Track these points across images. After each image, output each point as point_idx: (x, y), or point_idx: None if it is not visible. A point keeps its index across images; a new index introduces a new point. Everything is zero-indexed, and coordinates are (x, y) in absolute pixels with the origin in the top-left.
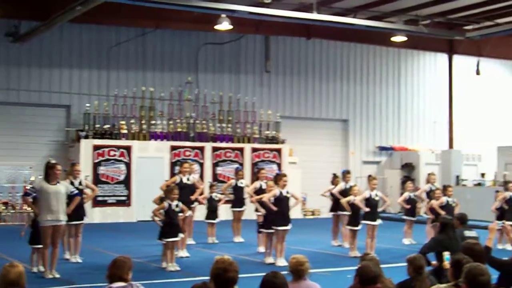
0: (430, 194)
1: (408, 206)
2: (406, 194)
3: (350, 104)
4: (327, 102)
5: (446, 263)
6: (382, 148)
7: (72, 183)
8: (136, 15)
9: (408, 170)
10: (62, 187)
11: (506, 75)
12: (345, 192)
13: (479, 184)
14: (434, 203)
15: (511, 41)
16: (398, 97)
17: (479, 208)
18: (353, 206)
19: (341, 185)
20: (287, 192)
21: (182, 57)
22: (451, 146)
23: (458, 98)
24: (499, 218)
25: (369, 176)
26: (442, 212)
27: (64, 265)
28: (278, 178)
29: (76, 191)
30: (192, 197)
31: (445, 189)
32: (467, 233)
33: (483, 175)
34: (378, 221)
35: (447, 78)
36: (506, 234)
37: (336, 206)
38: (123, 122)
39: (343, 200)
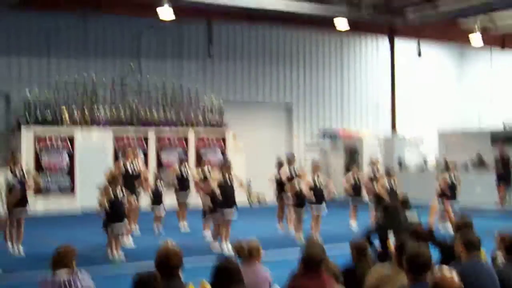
0: (373, 179)
1: (350, 191)
2: (350, 177)
3: (293, 88)
4: (270, 86)
5: (391, 246)
6: (326, 132)
7: (13, 173)
8: (76, 0)
9: (352, 155)
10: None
11: (446, 58)
12: (291, 178)
13: (421, 168)
14: (378, 187)
15: (451, 24)
16: (341, 81)
17: (422, 191)
18: (299, 192)
19: (286, 169)
20: (229, 179)
21: (124, 42)
22: (394, 130)
23: (400, 82)
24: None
25: (313, 160)
26: (386, 196)
27: (5, 255)
28: (223, 165)
29: (16, 183)
30: (143, 187)
31: (387, 172)
32: (410, 215)
33: (425, 160)
34: (323, 205)
35: (389, 62)
36: (445, 213)
37: (281, 190)
38: (64, 110)
39: (288, 186)
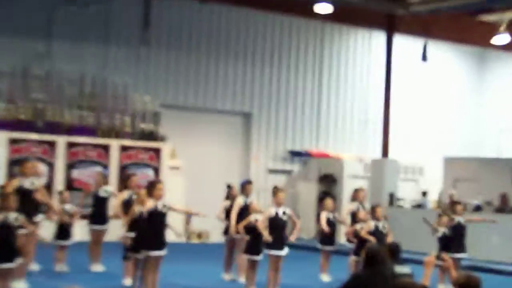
0: (355, 217)
1: (327, 230)
2: (324, 215)
3: (255, 92)
4: (224, 89)
5: None
6: (295, 154)
7: None
8: None
9: (328, 184)
10: None
11: (460, 63)
12: (244, 210)
13: (419, 206)
14: (360, 228)
15: (469, 18)
16: (319, 87)
17: (418, 236)
18: (252, 230)
19: (240, 200)
20: (164, 206)
21: (31, 20)
22: (385, 154)
23: (397, 92)
24: (443, 249)
25: (275, 188)
26: (372, 240)
27: None
28: (152, 187)
29: None
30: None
31: (373, 210)
32: (399, 268)
33: (424, 193)
34: (285, 250)
35: (384, 65)
36: (447, 271)
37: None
38: None
39: (240, 224)
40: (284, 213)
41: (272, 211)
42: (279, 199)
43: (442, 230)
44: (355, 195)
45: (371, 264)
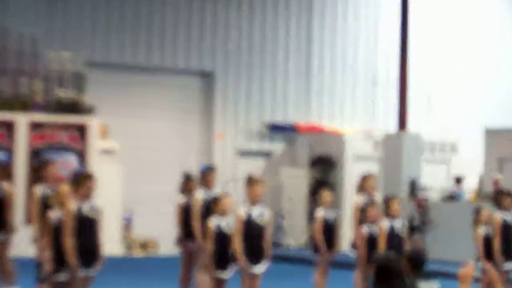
0: (362, 214)
1: (320, 238)
2: (320, 214)
3: (217, 44)
4: (174, 40)
5: None
6: (277, 129)
7: None
8: None
9: (324, 169)
10: None
11: (499, 2)
12: (207, 207)
13: (451, 198)
14: (365, 231)
15: None
16: (308, 36)
17: (451, 239)
18: (219, 235)
19: (199, 196)
20: (93, 208)
21: None
22: (402, 126)
23: (416, 44)
24: (486, 257)
25: (249, 177)
26: (382, 247)
27: None
28: (80, 181)
29: None
30: None
31: (388, 204)
32: (424, 285)
33: (458, 180)
34: (263, 265)
35: (399, 6)
36: (492, 286)
37: (187, 233)
38: None
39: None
40: (261, 214)
41: (242, 212)
42: (254, 194)
43: (483, 230)
44: (363, 184)
45: (384, 280)
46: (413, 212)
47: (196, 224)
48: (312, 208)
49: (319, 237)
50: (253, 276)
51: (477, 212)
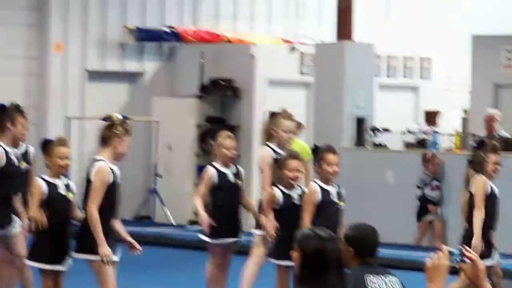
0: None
1: (205, 220)
2: (212, 172)
3: None
4: None
5: None
6: (147, 37)
7: None
8: None
9: (221, 100)
10: None
11: None
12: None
13: (420, 144)
14: (278, 195)
15: None
16: None
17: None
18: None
19: None
20: None
21: None
22: (344, 34)
23: None
24: (464, 240)
25: (109, 117)
26: (307, 222)
27: None
28: None
29: None
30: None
31: (321, 158)
32: (376, 281)
33: (431, 116)
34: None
35: None
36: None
37: None
38: None
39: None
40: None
41: (106, 175)
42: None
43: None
44: (274, 125)
45: (313, 274)
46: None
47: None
48: (202, 161)
49: (202, 213)
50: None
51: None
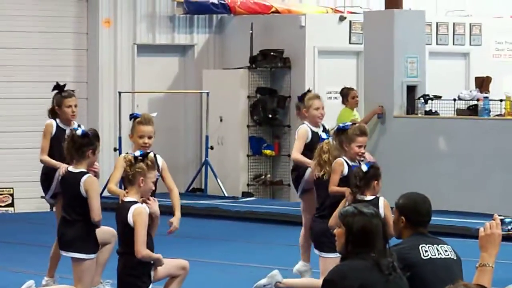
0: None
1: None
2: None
3: None
4: None
5: None
6: (196, 9)
7: None
8: None
9: (272, 72)
10: None
11: None
12: None
13: (471, 110)
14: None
15: None
16: None
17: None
18: None
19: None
20: None
21: None
22: (391, 1)
23: None
24: None
25: None
26: (343, 190)
27: None
28: None
29: None
30: None
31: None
32: (428, 250)
33: (482, 82)
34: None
35: None
36: None
37: None
38: None
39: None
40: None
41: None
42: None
43: None
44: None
45: (359, 250)
46: None
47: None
48: (254, 132)
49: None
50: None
51: None
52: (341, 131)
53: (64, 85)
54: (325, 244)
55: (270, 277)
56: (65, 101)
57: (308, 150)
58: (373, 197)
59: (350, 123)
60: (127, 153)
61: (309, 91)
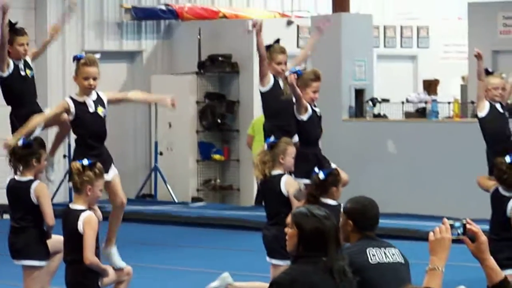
0: None
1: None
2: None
3: None
4: None
5: None
6: (144, 15)
7: None
8: None
9: (220, 77)
10: None
11: None
12: None
13: (419, 112)
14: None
15: None
16: None
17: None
18: None
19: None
20: None
21: None
22: (341, 6)
23: None
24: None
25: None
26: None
27: None
28: None
29: None
30: None
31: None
32: (375, 253)
33: (430, 85)
34: None
35: None
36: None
37: None
38: None
39: None
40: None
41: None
42: None
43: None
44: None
45: (311, 252)
46: None
47: None
48: (203, 138)
49: None
50: None
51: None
52: (273, 145)
53: (16, 22)
54: (277, 251)
55: (221, 279)
56: (18, 39)
57: (273, 97)
58: (336, 203)
59: (302, 68)
60: (70, 96)
61: (277, 41)
